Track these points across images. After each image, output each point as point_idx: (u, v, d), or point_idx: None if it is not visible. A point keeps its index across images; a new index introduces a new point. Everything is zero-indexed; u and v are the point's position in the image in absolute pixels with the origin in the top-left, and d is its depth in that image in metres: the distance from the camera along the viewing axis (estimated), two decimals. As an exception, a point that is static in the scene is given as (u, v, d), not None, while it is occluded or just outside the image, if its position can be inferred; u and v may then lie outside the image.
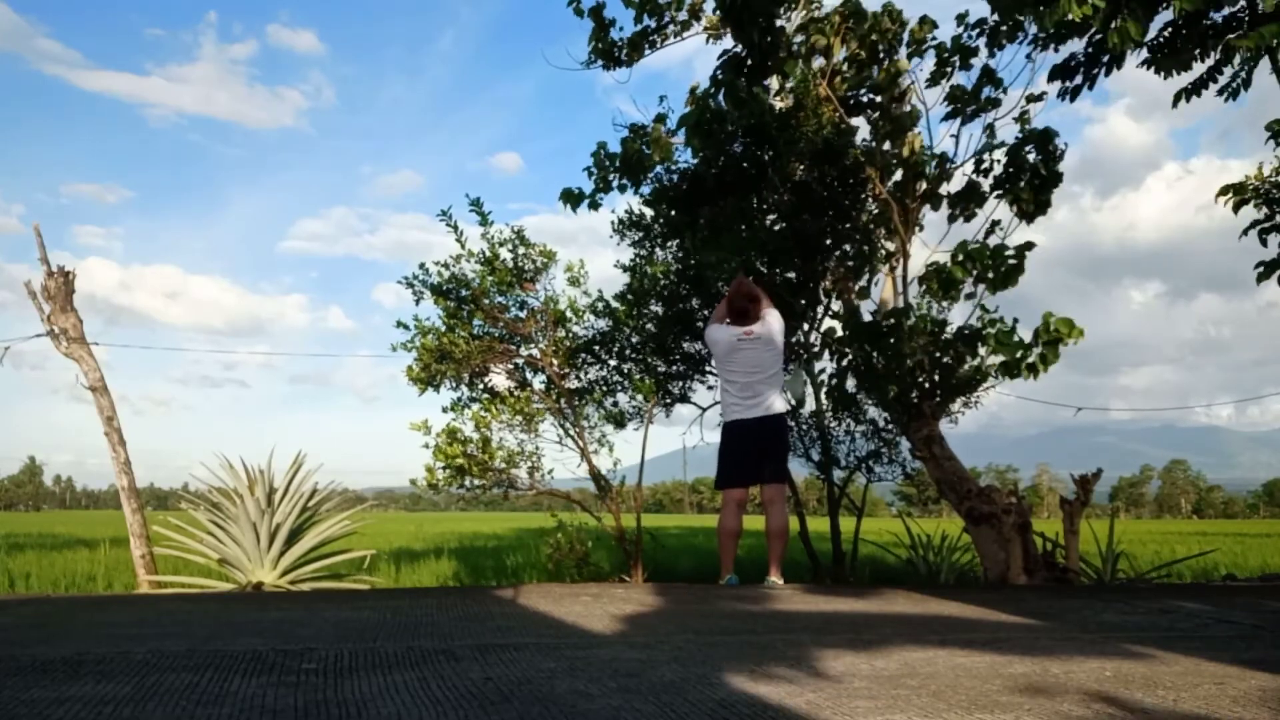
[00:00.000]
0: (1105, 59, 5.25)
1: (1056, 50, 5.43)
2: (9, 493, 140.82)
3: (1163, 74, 5.13)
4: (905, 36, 7.12)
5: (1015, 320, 6.17)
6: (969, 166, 7.04)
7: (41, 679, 2.48)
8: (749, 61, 7.18)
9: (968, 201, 7.03)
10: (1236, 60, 5.06)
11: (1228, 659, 3.04)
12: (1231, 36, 4.74)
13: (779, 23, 7.15)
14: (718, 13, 7.24)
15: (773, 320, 5.57)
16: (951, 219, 7.14)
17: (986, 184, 6.97)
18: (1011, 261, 6.29)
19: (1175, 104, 5.33)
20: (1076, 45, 5.61)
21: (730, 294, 5.68)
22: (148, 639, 3.22)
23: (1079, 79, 5.48)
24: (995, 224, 6.86)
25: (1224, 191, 7.19)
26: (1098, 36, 4.99)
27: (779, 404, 5.54)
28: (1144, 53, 5.13)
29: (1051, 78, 5.65)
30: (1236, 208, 7.03)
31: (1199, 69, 5.21)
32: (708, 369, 7.58)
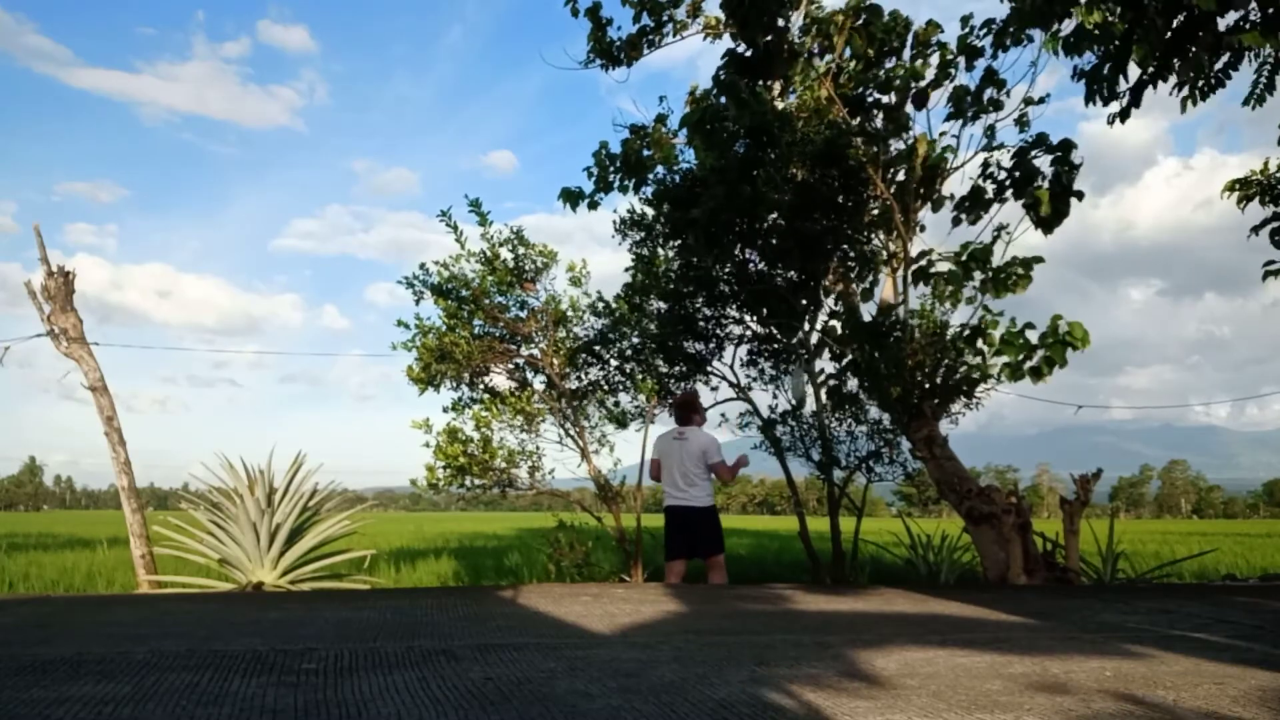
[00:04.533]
0: (1144, 75, 5.16)
1: (1070, 56, 5.36)
2: (9, 493, 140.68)
3: (1178, 89, 5.09)
4: (910, 39, 7.12)
5: (1027, 324, 6.14)
6: (973, 170, 7.01)
7: (41, 679, 2.48)
8: (752, 61, 7.18)
9: (974, 206, 6.99)
10: (1252, 64, 5.02)
11: (1228, 659, 3.04)
12: (1245, 34, 4.70)
13: (782, 23, 7.15)
14: (723, 10, 7.24)
15: (704, 436, 6.41)
16: (956, 221, 7.12)
17: (991, 188, 6.93)
18: (1020, 272, 6.27)
19: (1184, 109, 5.30)
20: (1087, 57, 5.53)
21: (675, 399, 6.79)
22: (148, 639, 3.22)
23: (1125, 101, 5.36)
24: (1003, 228, 6.75)
25: (1230, 187, 7.16)
26: (1122, 49, 4.93)
27: (706, 499, 6.34)
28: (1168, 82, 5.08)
29: (1087, 89, 5.52)
30: (1241, 202, 7.02)
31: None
32: (710, 369, 7.59)
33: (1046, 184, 6.59)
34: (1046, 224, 6.61)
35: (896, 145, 7.19)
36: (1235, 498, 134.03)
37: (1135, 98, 5.26)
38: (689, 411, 6.55)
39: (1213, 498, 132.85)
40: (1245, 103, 5.12)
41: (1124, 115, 5.40)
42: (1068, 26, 5.02)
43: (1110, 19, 4.47)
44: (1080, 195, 6.57)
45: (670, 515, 6.29)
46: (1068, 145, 6.57)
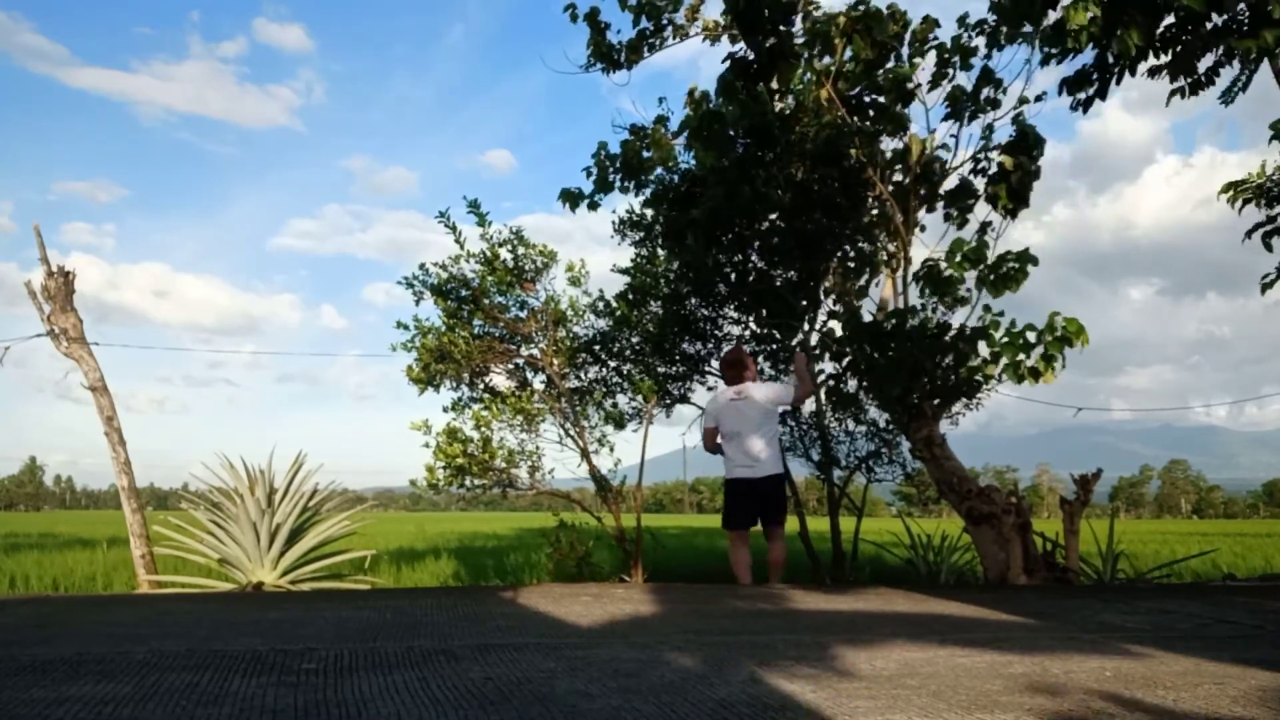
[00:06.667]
0: (1116, 67, 5.22)
1: (1059, 62, 5.41)
2: (9, 493, 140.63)
3: (1169, 80, 5.13)
4: (907, 37, 7.12)
5: (1027, 325, 6.15)
6: (966, 167, 7.04)
7: (41, 679, 2.48)
8: (754, 65, 7.18)
9: (961, 200, 7.00)
10: (1236, 63, 5.06)
11: (1228, 659, 3.04)
12: (1234, 40, 4.73)
13: (784, 27, 7.14)
14: (727, 15, 7.24)
15: (764, 387, 6.01)
16: (947, 218, 7.13)
17: (980, 183, 6.95)
18: (1014, 266, 6.27)
19: (1168, 102, 5.36)
20: (1084, 56, 5.60)
21: (723, 357, 6.32)
22: (148, 639, 3.22)
23: (1092, 90, 5.43)
24: (986, 225, 6.78)
25: (1226, 189, 7.18)
26: (1103, 44, 4.97)
27: (777, 465, 5.84)
28: (1151, 59, 5.13)
29: (1063, 90, 5.61)
30: (1236, 203, 7.03)
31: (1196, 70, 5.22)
32: (707, 369, 7.59)
33: (1014, 177, 6.64)
34: (1010, 212, 6.68)
35: (894, 145, 7.19)
36: (1235, 498, 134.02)
37: (1102, 89, 5.31)
38: (740, 369, 5.97)
39: (1213, 498, 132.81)
40: (1220, 98, 5.16)
41: (1087, 104, 5.47)
42: (1051, 18, 5.06)
43: (1095, 14, 4.50)
44: (1036, 174, 6.57)
45: (737, 486, 5.84)
46: (1028, 132, 6.62)
